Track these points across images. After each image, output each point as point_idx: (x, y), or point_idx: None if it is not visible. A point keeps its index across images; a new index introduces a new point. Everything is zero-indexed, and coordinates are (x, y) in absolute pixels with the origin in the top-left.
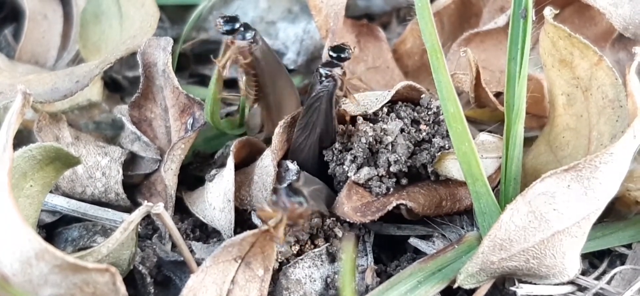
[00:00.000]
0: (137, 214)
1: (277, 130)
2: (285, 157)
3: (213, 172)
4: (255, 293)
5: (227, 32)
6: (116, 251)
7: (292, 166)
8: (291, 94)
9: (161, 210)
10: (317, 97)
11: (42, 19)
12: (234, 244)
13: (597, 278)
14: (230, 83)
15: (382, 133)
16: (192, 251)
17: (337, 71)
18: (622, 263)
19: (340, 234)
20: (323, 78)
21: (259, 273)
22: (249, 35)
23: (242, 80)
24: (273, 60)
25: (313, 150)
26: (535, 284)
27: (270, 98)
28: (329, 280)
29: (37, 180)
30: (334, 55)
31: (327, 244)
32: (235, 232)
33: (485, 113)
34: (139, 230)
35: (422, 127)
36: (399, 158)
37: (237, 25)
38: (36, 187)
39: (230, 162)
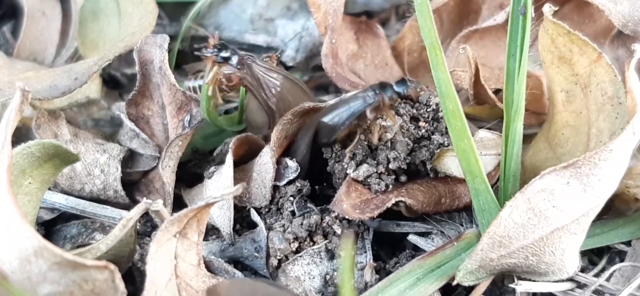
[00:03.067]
0: (136, 211)
1: (276, 127)
2: (284, 154)
3: (212, 169)
4: (195, 259)
5: (224, 60)
6: (115, 248)
7: (292, 163)
8: (299, 95)
9: (160, 207)
10: (354, 96)
11: (40, 15)
12: (173, 222)
13: (596, 275)
14: None
15: (381, 131)
16: None
17: (385, 95)
18: (622, 260)
19: (339, 231)
20: (371, 90)
21: (193, 239)
22: (233, 61)
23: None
24: (267, 77)
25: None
26: (534, 281)
27: (269, 103)
28: (328, 277)
29: (36, 177)
30: (397, 89)
31: (326, 241)
32: (234, 229)
33: (485, 110)
34: (138, 227)
35: (421, 124)
36: (398, 155)
37: (227, 54)
38: (35, 184)
39: (229, 159)
